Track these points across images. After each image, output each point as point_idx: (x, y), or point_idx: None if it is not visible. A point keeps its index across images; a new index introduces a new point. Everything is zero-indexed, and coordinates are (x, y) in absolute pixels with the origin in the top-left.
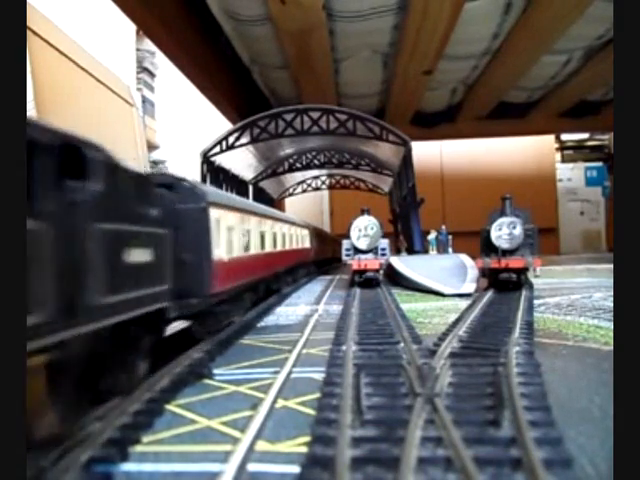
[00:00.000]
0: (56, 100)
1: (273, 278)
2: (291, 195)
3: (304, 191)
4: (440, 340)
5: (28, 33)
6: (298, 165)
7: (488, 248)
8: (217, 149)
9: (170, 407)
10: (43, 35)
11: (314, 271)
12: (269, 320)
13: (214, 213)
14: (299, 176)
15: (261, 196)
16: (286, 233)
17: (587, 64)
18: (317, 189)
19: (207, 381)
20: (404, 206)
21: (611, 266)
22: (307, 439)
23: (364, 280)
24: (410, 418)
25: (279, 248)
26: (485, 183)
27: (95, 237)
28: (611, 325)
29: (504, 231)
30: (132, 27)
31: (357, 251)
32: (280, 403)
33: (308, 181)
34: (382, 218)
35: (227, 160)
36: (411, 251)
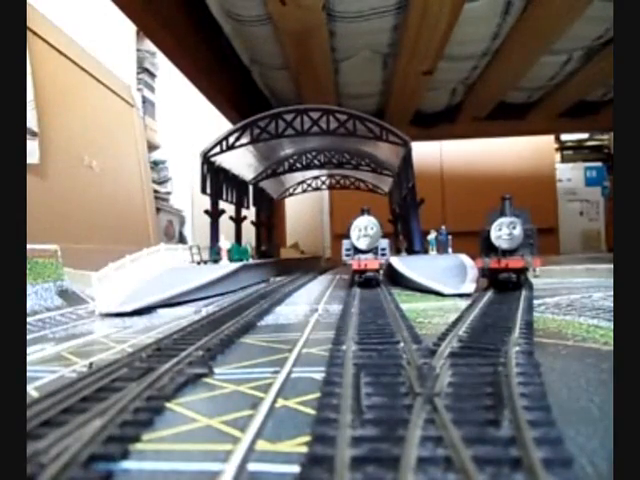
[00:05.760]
0: (56, 100)
1: None
2: (291, 195)
3: (304, 191)
4: (440, 340)
5: (28, 33)
6: (298, 165)
7: (488, 248)
8: (217, 149)
9: (170, 405)
10: (43, 35)
11: None
12: (269, 319)
13: None
14: (299, 176)
15: (261, 196)
16: None
17: (587, 64)
18: (317, 189)
19: (207, 380)
20: (404, 206)
21: (611, 266)
22: (307, 439)
23: (364, 280)
24: (410, 418)
25: None
26: (485, 183)
27: None
28: (611, 325)
29: (504, 231)
30: (132, 27)
31: (357, 251)
32: (280, 402)
33: (308, 181)
34: (382, 218)
35: (227, 160)
36: (411, 251)
